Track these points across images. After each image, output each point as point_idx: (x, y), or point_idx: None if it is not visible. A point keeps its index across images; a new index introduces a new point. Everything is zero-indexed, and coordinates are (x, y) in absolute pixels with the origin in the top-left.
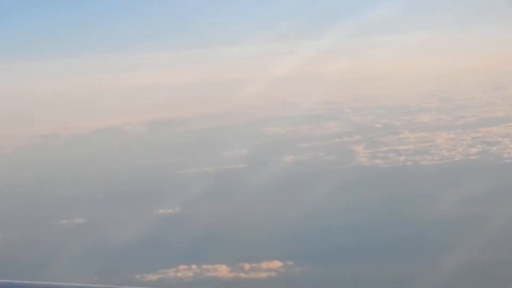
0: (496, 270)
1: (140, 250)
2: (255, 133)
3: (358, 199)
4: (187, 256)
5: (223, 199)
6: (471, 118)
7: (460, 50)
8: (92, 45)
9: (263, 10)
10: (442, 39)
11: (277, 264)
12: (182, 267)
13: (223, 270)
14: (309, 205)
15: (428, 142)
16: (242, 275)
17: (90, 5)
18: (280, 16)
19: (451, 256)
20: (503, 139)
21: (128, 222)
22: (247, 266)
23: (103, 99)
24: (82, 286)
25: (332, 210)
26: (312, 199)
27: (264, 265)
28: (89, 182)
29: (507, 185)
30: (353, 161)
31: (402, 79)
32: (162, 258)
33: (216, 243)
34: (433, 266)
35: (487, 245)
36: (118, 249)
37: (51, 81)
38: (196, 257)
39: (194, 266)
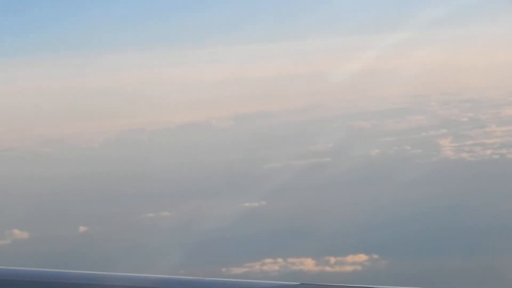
0: None
1: (225, 244)
2: (341, 126)
3: (444, 193)
4: (272, 250)
5: (309, 193)
6: None
7: None
8: (167, 39)
9: (339, 2)
10: None
11: (362, 257)
12: (267, 260)
13: (309, 264)
14: (394, 199)
15: None
16: (328, 268)
17: None
18: (356, 10)
19: None
20: None
21: (214, 216)
22: (332, 259)
23: (185, 93)
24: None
25: (417, 203)
26: (397, 193)
27: (349, 258)
28: (175, 176)
29: None
30: (439, 155)
31: (487, 72)
32: (248, 252)
33: (302, 237)
34: None
35: None
36: (204, 242)
37: (130, 75)
38: (282, 250)
39: (279, 260)
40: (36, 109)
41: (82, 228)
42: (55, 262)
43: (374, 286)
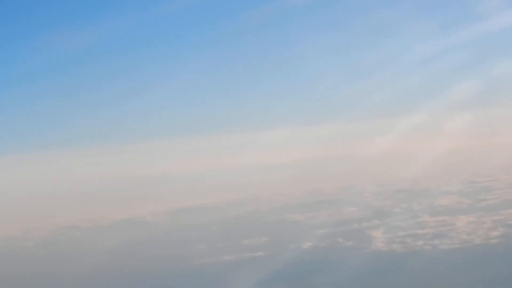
0: None
1: None
2: (276, 220)
3: (372, 286)
4: None
5: None
6: (493, 201)
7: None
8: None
9: None
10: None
11: None
12: None
13: None
14: None
15: (448, 225)
16: None
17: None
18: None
19: None
20: None
21: None
22: None
23: (122, 188)
24: None
25: None
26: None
27: None
28: (103, 275)
29: None
30: (371, 246)
31: (422, 160)
32: None
33: None
34: None
35: None
36: None
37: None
38: None
39: None
40: None
41: None
42: None
43: None
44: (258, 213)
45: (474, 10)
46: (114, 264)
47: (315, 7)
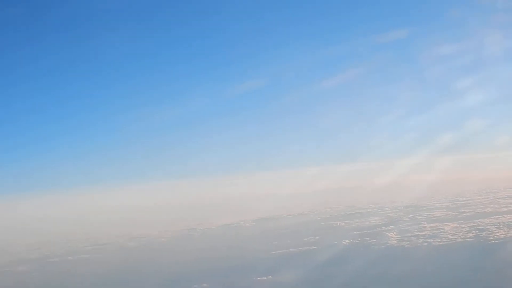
0: None
1: None
2: (325, 225)
3: (387, 268)
4: None
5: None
6: (470, 213)
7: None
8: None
9: None
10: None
11: None
12: None
13: None
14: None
15: (439, 229)
16: None
17: None
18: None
19: None
20: (490, 227)
21: None
22: None
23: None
24: None
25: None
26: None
27: None
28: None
29: (491, 260)
30: (388, 243)
31: (421, 188)
32: None
33: None
34: None
35: None
36: None
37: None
38: None
39: None
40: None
41: None
42: None
43: None
44: (314, 221)
45: None
46: (231, 253)
47: None
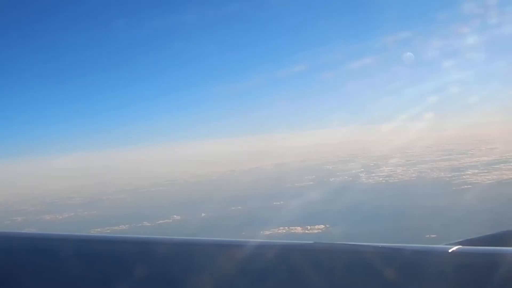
0: None
1: None
2: (320, 169)
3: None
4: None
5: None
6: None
7: None
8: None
9: None
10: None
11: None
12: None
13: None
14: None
15: (394, 172)
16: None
17: None
18: None
19: None
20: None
21: None
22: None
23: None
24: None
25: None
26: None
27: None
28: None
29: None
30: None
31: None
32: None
33: None
34: None
35: None
36: None
37: None
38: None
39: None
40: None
41: None
42: None
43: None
44: (314, 165)
45: None
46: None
47: None
